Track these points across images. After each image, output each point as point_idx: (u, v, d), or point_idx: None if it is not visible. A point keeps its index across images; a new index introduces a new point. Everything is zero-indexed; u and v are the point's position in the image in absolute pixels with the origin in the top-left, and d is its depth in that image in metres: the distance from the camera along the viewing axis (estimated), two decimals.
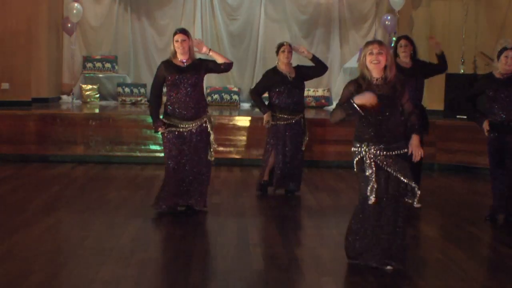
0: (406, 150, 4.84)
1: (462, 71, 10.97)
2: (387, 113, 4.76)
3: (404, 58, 7.25)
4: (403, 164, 4.80)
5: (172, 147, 6.42)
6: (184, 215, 6.47)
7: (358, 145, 4.81)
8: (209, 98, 12.29)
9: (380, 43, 4.84)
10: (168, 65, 6.41)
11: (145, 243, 5.67)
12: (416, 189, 4.86)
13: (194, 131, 6.42)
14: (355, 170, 4.88)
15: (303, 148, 7.58)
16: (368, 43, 4.86)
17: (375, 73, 4.77)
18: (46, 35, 12.20)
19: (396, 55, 7.28)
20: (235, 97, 12.58)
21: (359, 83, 4.80)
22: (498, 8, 10.87)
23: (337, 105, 4.92)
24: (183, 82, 6.34)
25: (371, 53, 4.75)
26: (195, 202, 6.54)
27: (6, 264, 4.87)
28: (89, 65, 13.00)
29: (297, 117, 7.48)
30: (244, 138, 9.86)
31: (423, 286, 4.62)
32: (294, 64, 7.62)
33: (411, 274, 4.86)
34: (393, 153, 4.77)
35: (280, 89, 7.41)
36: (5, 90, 11.18)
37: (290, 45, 7.51)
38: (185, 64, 6.40)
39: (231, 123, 9.94)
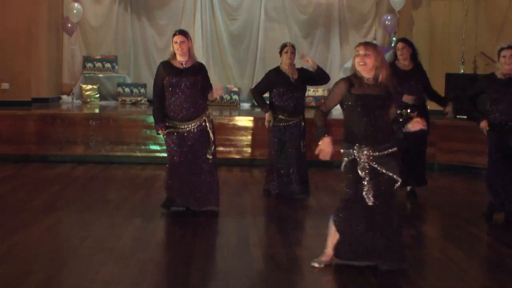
0: (395, 149, 4.83)
1: (462, 71, 10.97)
2: (377, 114, 4.75)
3: (403, 61, 7.29)
4: (394, 163, 4.80)
5: (173, 148, 6.41)
6: (184, 215, 6.47)
7: (349, 147, 4.80)
8: None
9: (366, 44, 4.83)
10: (167, 66, 6.37)
11: (145, 243, 5.67)
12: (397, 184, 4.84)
13: (194, 130, 6.40)
14: (342, 171, 4.86)
15: (303, 150, 7.54)
16: (357, 45, 4.88)
17: (365, 73, 4.78)
18: (46, 35, 12.20)
19: (396, 57, 7.33)
20: (235, 97, 12.58)
21: (351, 82, 4.81)
22: (498, 8, 10.87)
23: (325, 100, 5.03)
24: (181, 83, 6.30)
25: (357, 55, 4.77)
26: (203, 202, 6.51)
27: (6, 264, 4.87)
28: (89, 65, 13.00)
29: (297, 119, 7.46)
30: (244, 138, 9.86)
31: (423, 286, 4.62)
32: (298, 67, 7.62)
33: (411, 274, 4.86)
34: (385, 152, 4.77)
35: (282, 90, 7.40)
36: (5, 90, 11.18)
37: (293, 46, 7.50)
38: (184, 65, 6.37)
39: (231, 123, 9.94)
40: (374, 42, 12.75)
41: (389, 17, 12.19)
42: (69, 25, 12.52)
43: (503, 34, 10.38)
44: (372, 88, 4.77)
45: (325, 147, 4.75)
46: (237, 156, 9.85)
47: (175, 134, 6.39)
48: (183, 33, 6.40)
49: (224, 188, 8.08)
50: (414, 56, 7.34)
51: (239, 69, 13.22)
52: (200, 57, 12.88)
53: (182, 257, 5.18)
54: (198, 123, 6.41)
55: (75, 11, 12.39)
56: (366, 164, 4.74)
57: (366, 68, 4.76)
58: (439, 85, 10.59)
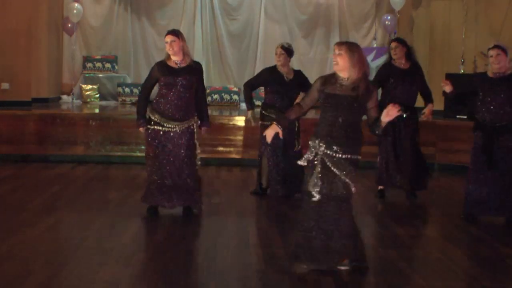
0: (359, 157, 4.75)
1: (462, 71, 10.97)
2: (342, 115, 4.72)
3: (398, 60, 7.30)
4: (350, 169, 4.71)
5: (155, 145, 6.31)
6: (184, 216, 6.46)
7: (312, 141, 4.81)
8: (209, 98, 12.28)
9: (340, 44, 4.80)
10: (162, 66, 6.31)
11: (145, 243, 5.67)
12: (351, 190, 4.75)
13: (179, 131, 6.30)
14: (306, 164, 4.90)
15: (297, 149, 7.42)
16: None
17: (339, 73, 4.77)
18: (46, 35, 12.21)
19: (392, 57, 7.35)
20: (235, 97, 12.58)
21: (326, 80, 4.82)
22: (498, 8, 10.87)
23: (303, 98, 5.06)
24: (176, 84, 6.23)
25: (334, 54, 4.78)
26: (187, 202, 6.42)
27: (6, 264, 4.87)
28: (89, 65, 13.00)
29: None
30: (244, 138, 9.85)
31: (423, 286, 4.62)
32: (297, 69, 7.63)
33: (411, 274, 4.86)
34: (342, 156, 4.70)
35: (275, 88, 7.38)
36: (5, 90, 11.19)
37: (283, 47, 7.40)
38: (179, 65, 6.31)
39: (231, 123, 9.94)
40: (374, 42, 12.78)
41: (389, 17, 12.20)
42: (69, 25, 12.53)
43: (503, 34, 10.38)
44: (343, 88, 4.73)
45: (269, 131, 4.95)
46: (237, 156, 9.85)
47: (161, 132, 6.34)
48: (173, 32, 6.33)
49: (224, 188, 8.10)
50: (409, 55, 7.33)
51: (239, 69, 13.22)
52: (200, 57, 12.92)
53: (182, 257, 5.18)
54: (186, 125, 6.32)
55: (75, 11, 12.40)
56: (320, 161, 4.73)
57: (338, 68, 4.74)
58: (439, 85, 10.59)
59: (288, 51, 7.42)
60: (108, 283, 4.50)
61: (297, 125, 7.45)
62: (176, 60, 6.30)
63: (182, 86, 6.26)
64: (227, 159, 9.71)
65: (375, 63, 11.18)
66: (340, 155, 4.70)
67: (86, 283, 4.51)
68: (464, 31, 11.11)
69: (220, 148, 9.71)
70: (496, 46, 6.36)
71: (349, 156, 4.71)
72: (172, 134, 6.30)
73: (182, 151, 6.32)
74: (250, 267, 4.96)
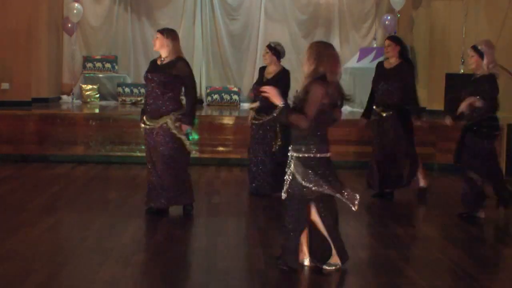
0: (322, 155, 4.71)
1: (462, 71, 10.97)
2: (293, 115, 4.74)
3: (390, 58, 7.26)
4: (300, 168, 4.70)
5: (145, 144, 6.47)
6: (184, 216, 6.47)
7: None
8: (209, 98, 12.32)
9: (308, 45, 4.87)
10: (151, 62, 6.49)
11: (145, 243, 5.67)
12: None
13: (159, 129, 6.26)
14: None
15: (275, 149, 7.32)
16: None
17: None
18: (46, 35, 12.21)
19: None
20: (235, 97, 12.58)
21: None
22: (498, 8, 10.86)
23: None
24: (153, 80, 6.25)
25: None
26: (172, 201, 6.40)
27: (6, 264, 4.88)
28: (89, 65, 13.00)
29: (265, 119, 7.34)
30: (244, 138, 9.83)
31: (423, 286, 4.62)
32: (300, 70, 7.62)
33: (411, 274, 4.86)
34: (300, 155, 4.72)
35: (255, 88, 7.40)
36: (5, 90, 11.19)
37: (268, 46, 7.41)
38: (162, 62, 6.34)
39: (231, 123, 9.94)
40: (374, 42, 12.78)
41: (389, 17, 12.20)
42: (69, 25, 12.54)
43: (503, 34, 10.38)
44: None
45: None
46: (237, 156, 9.84)
47: (147, 131, 6.36)
48: (160, 30, 6.42)
49: (224, 188, 8.10)
50: (403, 53, 7.27)
51: (239, 69, 13.22)
52: (200, 57, 12.95)
53: (182, 257, 5.18)
54: (160, 123, 6.26)
55: (75, 11, 12.41)
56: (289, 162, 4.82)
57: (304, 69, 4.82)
58: (439, 85, 10.63)
59: (273, 50, 7.36)
60: (108, 283, 4.50)
61: (278, 125, 7.36)
62: (162, 57, 6.37)
63: (156, 83, 6.25)
64: (227, 159, 9.71)
65: (374, 63, 11.18)
66: (295, 155, 4.74)
67: (86, 283, 4.51)
68: (464, 31, 11.11)
69: (220, 148, 9.71)
70: (472, 47, 6.40)
71: (306, 155, 4.71)
72: (154, 132, 6.31)
73: (160, 150, 6.29)
74: (250, 267, 4.96)
